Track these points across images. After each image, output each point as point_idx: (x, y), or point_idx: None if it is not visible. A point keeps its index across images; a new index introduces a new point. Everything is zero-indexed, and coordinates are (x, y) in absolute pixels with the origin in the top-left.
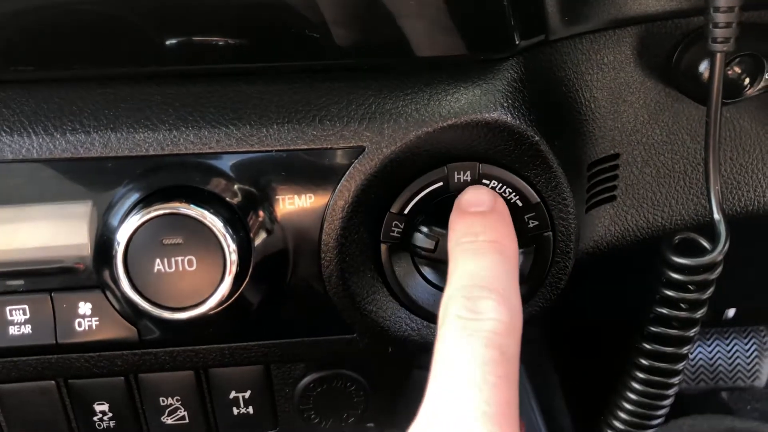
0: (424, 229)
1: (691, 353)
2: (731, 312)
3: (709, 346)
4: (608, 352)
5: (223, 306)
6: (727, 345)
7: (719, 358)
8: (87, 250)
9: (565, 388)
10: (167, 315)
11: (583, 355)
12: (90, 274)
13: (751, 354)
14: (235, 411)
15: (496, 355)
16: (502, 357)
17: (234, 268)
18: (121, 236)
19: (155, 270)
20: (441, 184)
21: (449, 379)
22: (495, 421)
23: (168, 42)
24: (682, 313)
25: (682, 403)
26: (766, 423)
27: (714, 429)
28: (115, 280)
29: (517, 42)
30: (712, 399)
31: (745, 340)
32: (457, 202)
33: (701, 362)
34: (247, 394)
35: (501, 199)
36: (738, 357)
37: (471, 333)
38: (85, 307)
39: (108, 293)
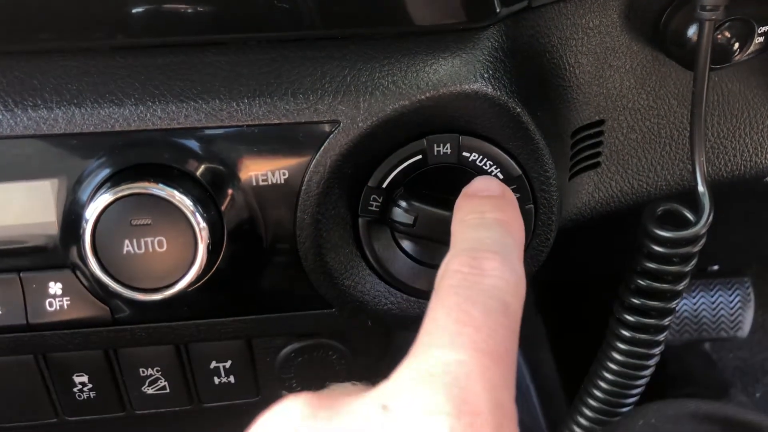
0: (403, 204)
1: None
2: (715, 265)
3: (693, 298)
4: (595, 306)
5: (197, 285)
6: (712, 297)
7: (704, 309)
8: (55, 229)
9: (552, 341)
10: (139, 296)
11: (571, 308)
12: (59, 253)
13: (735, 305)
14: (216, 380)
15: (500, 306)
16: (506, 310)
17: (205, 248)
18: (89, 215)
19: (124, 251)
20: (420, 157)
21: (446, 317)
22: (491, 359)
23: (134, 11)
24: (664, 285)
25: (665, 354)
26: (729, 403)
27: (679, 413)
28: (84, 260)
29: (498, 9)
30: (695, 349)
31: (729, 292)
32: (464, 190)
33: (686, 314)
34: (227, 364)
35: (510, 190)
36: (722, 308)
37: (472, 284)
38: (55, 287)
39: (78, 273)
